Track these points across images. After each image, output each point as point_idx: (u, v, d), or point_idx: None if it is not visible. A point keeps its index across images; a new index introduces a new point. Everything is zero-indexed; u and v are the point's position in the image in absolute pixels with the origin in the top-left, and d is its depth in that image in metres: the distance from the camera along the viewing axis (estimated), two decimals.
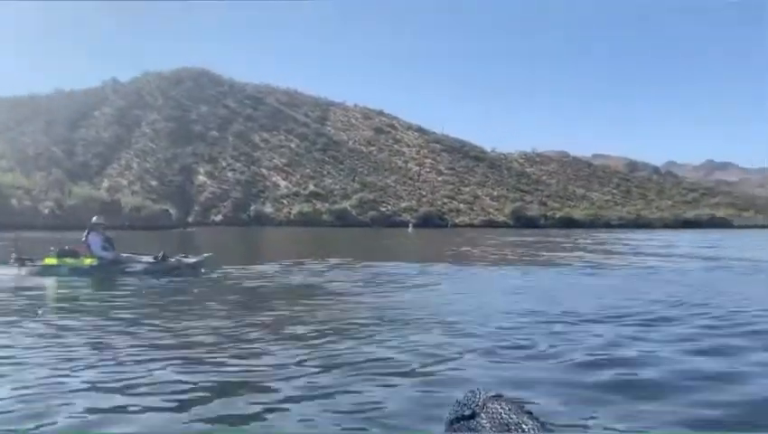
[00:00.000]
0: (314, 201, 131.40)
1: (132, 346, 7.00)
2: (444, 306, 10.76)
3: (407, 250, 36.54)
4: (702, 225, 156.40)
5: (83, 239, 15.82)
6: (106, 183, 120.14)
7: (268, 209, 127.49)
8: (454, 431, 0.95)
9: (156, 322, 8.73)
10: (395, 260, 22.29)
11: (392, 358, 6.63)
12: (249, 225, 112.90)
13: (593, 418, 4.86)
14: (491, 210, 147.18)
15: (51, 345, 7.00)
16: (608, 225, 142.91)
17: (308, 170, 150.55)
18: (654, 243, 42.64)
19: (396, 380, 5.81)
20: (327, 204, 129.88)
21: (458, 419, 0.96)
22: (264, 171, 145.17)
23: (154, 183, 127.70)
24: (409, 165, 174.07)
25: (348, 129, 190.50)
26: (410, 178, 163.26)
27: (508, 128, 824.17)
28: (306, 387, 5.48)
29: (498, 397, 0.97)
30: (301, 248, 35.14)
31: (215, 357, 6.53)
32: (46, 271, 15.10)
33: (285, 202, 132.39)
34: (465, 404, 0.97)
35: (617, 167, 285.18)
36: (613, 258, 26.49)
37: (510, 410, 0.93)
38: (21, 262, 15.30)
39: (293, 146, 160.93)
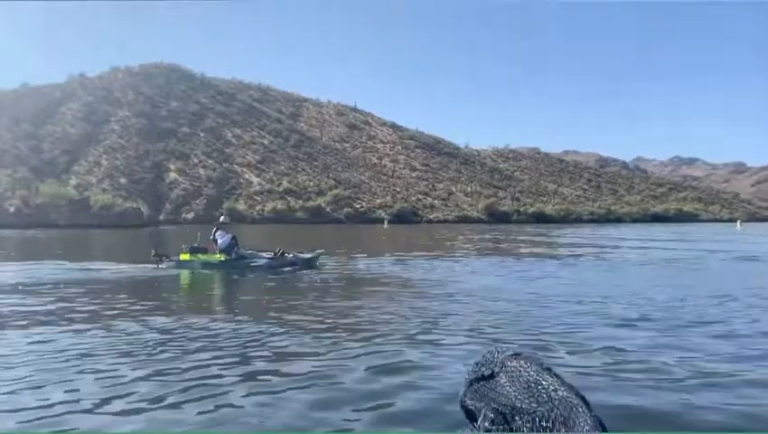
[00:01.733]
0: (288, 197, 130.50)
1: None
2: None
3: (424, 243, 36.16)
4: (670, 219, 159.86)
5: (212, 237, 17.58)
6: (74, 181, 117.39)
7: (241, 206, 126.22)
8: (474, 391, 0.94)
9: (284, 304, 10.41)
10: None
11: None
12: None
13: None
14: (465, 205, 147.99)
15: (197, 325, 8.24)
16: (579, 220, 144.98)
17: (282, 166, 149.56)
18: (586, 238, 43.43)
19: None
20: (301, 201, 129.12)
21: (477, 380, 0.96)
22: (236, 168, 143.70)
23: (123, 180, 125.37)
24: (384, 161, 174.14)
25: (322, 126, 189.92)
26: (385, 174, 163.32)
27: (480, 124, 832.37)
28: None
29: (517, 355, 0.96)
30: (319, 242, 34.77)
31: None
32: (182, 265, 17.11)
33: (258, 199, 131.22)
34: (484, 364, 0.97)
35: (588, 163, 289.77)
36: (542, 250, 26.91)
37: (529, 367, 0.92)
38: (159, 257, 17.28)
39: (266, 142, 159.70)
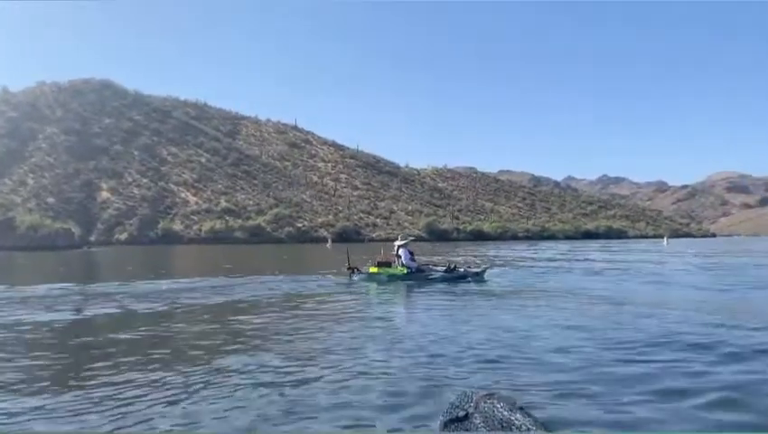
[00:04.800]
0: (227, 217, 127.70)
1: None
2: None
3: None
4: (600, 236, 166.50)
5: (394, 252, 20.29)
6: None
7: (177, 226, 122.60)
8: (449, 432, 0.97)
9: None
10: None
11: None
12: (157, 243, 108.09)
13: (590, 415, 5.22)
14: (406, 223, 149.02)
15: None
16: (515, 237, 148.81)
17: (220, 185, 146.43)
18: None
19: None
20: (240, 220, 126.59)
21: (452, 421, 0.97)
22: (172, 186, 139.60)
23: (52, 200, 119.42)
24: (325, 180, 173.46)
25: (261, 144, 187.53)
26: (326, 193, 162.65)
27: (420, 144, 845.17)
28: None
29: (490, 395, 0.98)
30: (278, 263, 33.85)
31: None
32: (371, 278, 19.80)
33: (195, 218, 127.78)
34: (458, 406, 0.98)
35: (521, 182, 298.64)
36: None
37: (502, 407, 0.95)
38: (352, 271, 20.28)
39: (203, 160, 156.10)
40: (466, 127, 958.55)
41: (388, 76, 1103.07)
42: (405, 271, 19.64)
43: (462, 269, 20.40)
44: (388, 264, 20.11)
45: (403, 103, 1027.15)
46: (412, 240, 21.83)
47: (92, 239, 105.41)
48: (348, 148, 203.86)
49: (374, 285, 18.76)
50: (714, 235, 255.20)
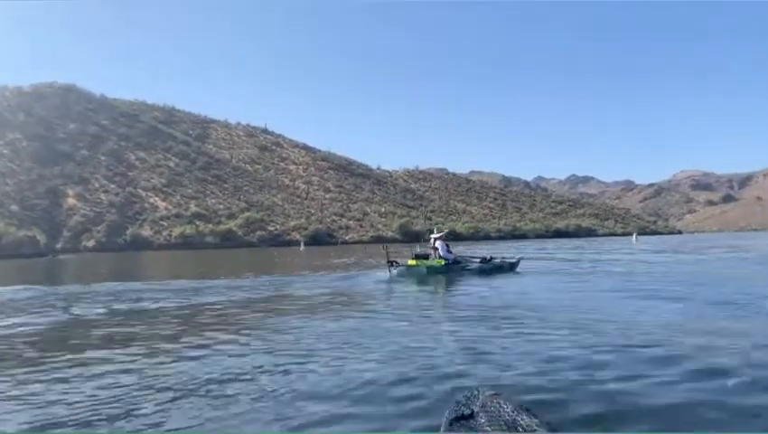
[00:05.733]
0: (197, 222, 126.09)
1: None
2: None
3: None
4: (570, 234, 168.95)
5: (431, 245, 20.90)
6: None
7: (146, 232, 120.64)
8: (454, 431, 0.97)
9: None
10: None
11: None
12: (125, 250, 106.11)
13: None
14: (379, 225, 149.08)
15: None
16: (488, 237, 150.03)
17: (189, 190, 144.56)
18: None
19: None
20: (211, 225, 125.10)
21: (457, 419, 0.98)
22: (141, 192, 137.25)
23: (15, 207, 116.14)
24: (297, 182, 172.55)
25: (231, 147, 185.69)
26: (298, 196, 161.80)
27: (392, 146, 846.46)
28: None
29: (497, 395, 0.99)
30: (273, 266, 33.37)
31: None
32: (410, 270, 20.23)
33: (164, 223, 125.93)
34: (464, 404, 0.99)
35: (492, 182, 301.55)
36: None
37: (508, 407, 0.95)
38: (391, 264, 20.64)
39: (172, 165, 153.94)
40: (437, 129, 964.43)
41: (358, 78, 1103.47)
42: (443, 262, 20.35)
43: (498, 260, 21.53)
44: (426, 256, 20.80)
45: (374, 105, 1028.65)
46: (447, 233, 22.51)
47: (58, 246, 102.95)
48: (319, 151, 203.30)
49: (414, 277, 19.61)
50: (680, 232, 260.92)
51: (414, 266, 20.37)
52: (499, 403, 0.94)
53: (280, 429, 4.64)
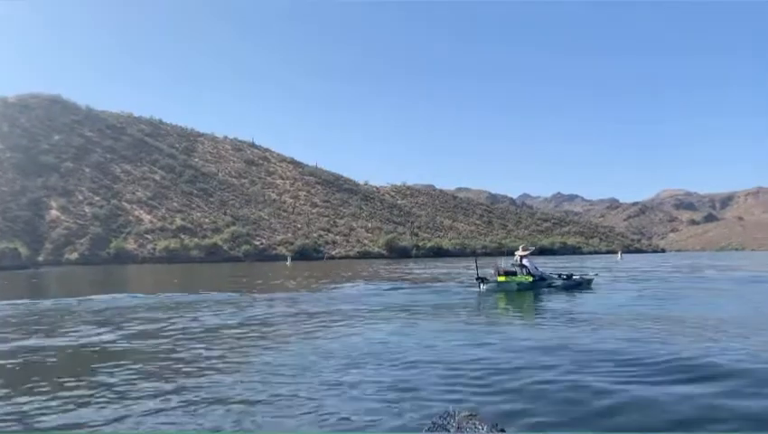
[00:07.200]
0: (182, 235, 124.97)
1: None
2: None
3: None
4: (556, 252, 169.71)
5: (518, 262, 21.88)
6: None
7: (131, 245, 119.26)
8: None
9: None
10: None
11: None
12: (109, 263, 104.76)
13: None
14: (366, 241, 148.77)
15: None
16: (474, 253, 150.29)
17: (175, 203, 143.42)
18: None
19: None
20: (196, 239, 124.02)
21: None
22: (126, 204, 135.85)
23: None
24: (284, 197, 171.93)
25: (217, 161, 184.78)
26: (285, 211, 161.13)
27: (379, 162, 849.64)
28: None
29: (472, 416, 0.96)
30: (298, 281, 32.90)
31: None
32: (500, 286, 21.28)
33: (149, 237, 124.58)
34: (440, 424, 0.97)
35: (479, 199, 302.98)
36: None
37: (483, 428, 0.93)
38: (481, 280, 21.73)
39: (157, 178, 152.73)
40: (425, 145, 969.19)
41: (345, 94, 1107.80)
42: (531, 279, 21.40)
43: (577, 277, 22.86)
44: (514, 273, 21.81)
45: (361, 121, 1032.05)
46: (533, 250, 23.78)
47: (41, 259, 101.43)
48: (306, 165, 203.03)
49: (503, 293, 20.60)
50: (663, 250, 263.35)
51: (504, 282, 21.37)
52: (474, 424, 0.91)
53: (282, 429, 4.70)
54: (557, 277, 22.67)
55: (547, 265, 36.53)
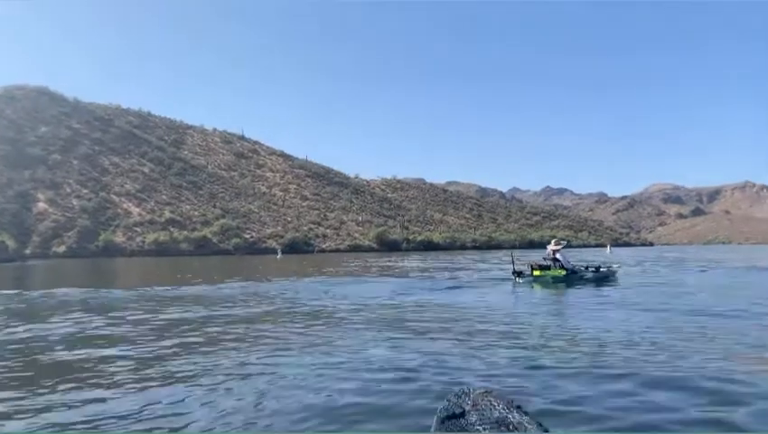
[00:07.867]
0: (171, 228, 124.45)
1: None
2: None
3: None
4: (544, 245, 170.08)
5: (551, 256, 22.93)
6: None
7: (119, 238, 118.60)
8: (445, 430, 0.98)
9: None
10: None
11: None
12: (97, 256, 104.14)
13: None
14: (356, 234, 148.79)
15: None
16: (464, 247, 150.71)
17: (164, 196, 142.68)
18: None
19: None
20: (186, 232, 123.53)
21: (448, 418, 0.99)
22: (114, 197, 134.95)
23: None
24: (274, 190, 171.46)
25: (207, 154, 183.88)
26: (275, 204, 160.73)
27: (370, 155, 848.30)
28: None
29: (487, 393, 1.00)
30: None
31: None
32: (535, 280, 22.49)
33: (138, 229, 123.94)
34: (455, 403, 1.00)
35: (469, 193, 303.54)
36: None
37: (499, 405, 0.96)
38: (517, 274, 23.02)
39: (146, 170, 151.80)
40: (415, 139, 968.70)
41: (336, 87, 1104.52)
42: (563, 273, 22.48)
43: (605, 269, 23.99)
44: (548, 267, 22.87)
45: (352, 114, 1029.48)
46: (565, 244, 24.63)
47: (28, 252, 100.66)
48: (296, 159, 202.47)
49: (540, 285, 21.57)
50: (651, 244, 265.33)
51: (540, 276, 22.56)
52: (490, 401, 0.96)
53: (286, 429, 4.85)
54: (584, 269, 23.85)
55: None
